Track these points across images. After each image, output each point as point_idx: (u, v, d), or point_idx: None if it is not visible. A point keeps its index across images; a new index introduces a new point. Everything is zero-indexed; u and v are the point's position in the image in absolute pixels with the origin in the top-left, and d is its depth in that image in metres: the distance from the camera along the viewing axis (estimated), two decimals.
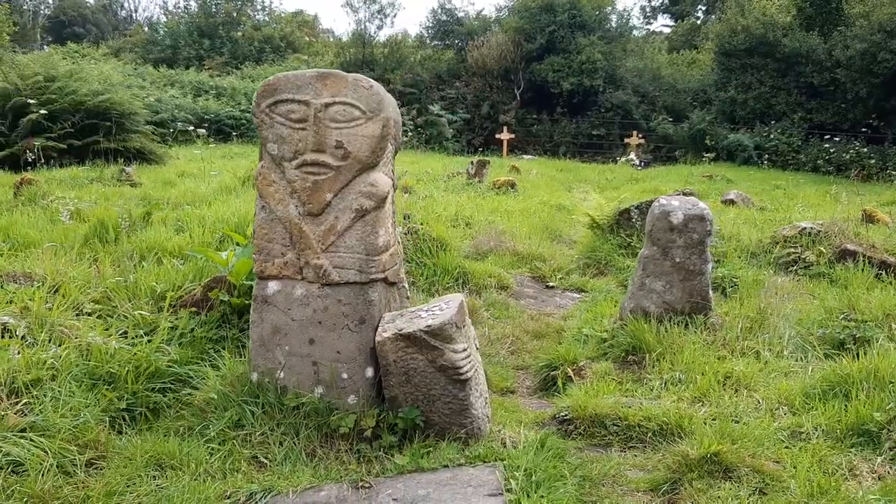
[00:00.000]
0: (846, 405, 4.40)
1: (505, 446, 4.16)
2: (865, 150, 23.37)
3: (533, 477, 3.65)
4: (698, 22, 43.93)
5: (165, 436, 4.13)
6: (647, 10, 53.48)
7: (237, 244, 5.99)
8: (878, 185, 19.91)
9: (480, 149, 29.86)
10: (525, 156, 28.23)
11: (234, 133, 24.24)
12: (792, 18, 27.31)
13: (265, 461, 4.00)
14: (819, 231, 8.44)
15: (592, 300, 7.47)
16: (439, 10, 35.55)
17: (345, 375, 4.24)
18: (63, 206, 7.67)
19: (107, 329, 4.89)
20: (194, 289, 5.46)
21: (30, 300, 4.64)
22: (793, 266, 8.11)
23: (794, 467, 3.91)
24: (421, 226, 8.15)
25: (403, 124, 27.89)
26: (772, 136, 25.65)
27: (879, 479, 3.80)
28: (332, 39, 40.17)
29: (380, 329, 4.15)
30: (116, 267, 5.88)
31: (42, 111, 14.04)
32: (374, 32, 34.61)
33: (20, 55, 18.56)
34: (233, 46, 36.00)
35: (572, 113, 31.96)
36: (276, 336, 4.31)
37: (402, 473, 3.80)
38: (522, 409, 5.16)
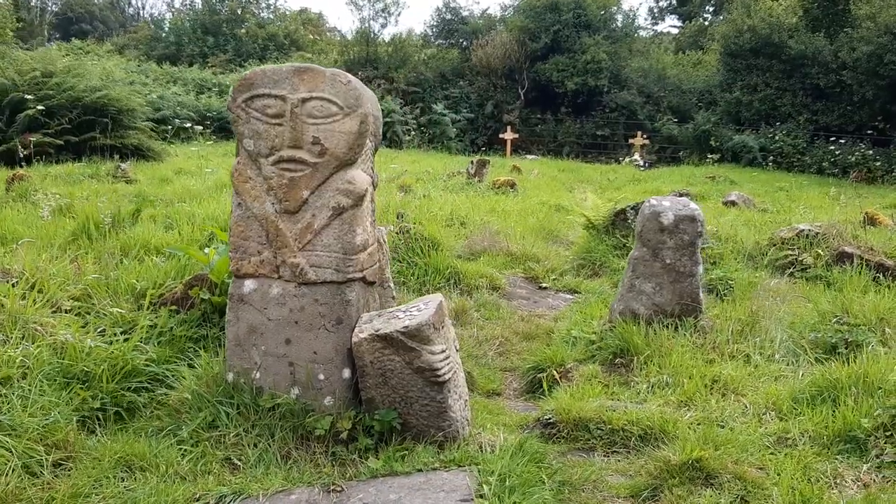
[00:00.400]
0: (834, 411, 4.31)
1: (483, 450, 4.08)
2: (871, 152, 23.23)
3: (507, 482, 3.56)
4: (706, 23, 43.78)
5: (138, 436, 4.05)
6: (655, 10, 53.38)
7: (222, 242, 5.91)
8: (883, 187, 19.80)
9: (484, 148, 29.79)
10: (528, 156, 28.15)
11: None
12: (798, 19, 27.15)
13: (238, 463, 3.92)
14: (817, 233, 8.33)
15: (585, 301, 7.38)
16: (444, 9, 35.46)
17: (321, 376, 4.16)
18: (45, 203, 7.58)
19: (84, 327, 4.81)
20: (175, 287, 5.38)
21: (4, 297, 4.56)
22: (790, 268, 8.01)
23: (778, 474, 3.83)
24: (413, 225, 8.07)
25: (406, 123, 28.04)
26: (777, 138, 25.51)
27: (864, 487, 3.71)
28: (338, 37, 40.04)
29: (356, 329, 4.07)
30: (98, 264, 5.80)
31: (39, 107, 14.01)
32: (379, 31, 34.58)
33: (18, 51, 18.51)
34: (237, 44, 35.98)
35: (576, 113, 31.85)
36: (253, 336, 4.23)
37: (375, 477, 3.72)
38: (507, 412, 5.08)
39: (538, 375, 5.54)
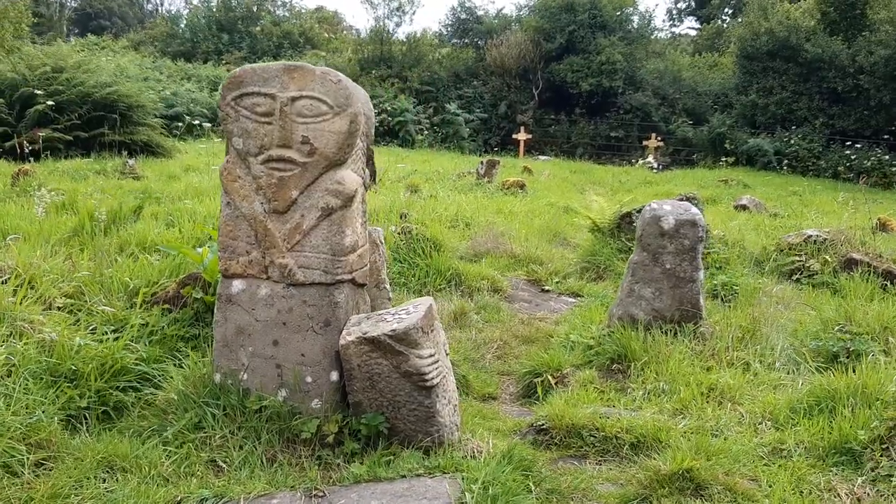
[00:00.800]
0: (831, 422, 4.23)
1: (473, 457, 4.01)
2: (887, 157, 23.01)
3: (490, 490, 3.50)
4: (724, 25, 43.52)
5: (123, 436, 4.01)
6: (674, 11, 53.14)
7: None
8: None
9: (497, 149, 29.72)
10: (541, 156, 28.08)
11: None
12: (816, 23, 26.93)
13: (223, 465, 3.87)
14: (825, 239, 8.22)
15: (587, 305, 7.30)
16: (459, 8, 35.46)
17: (309, 379, 4.11)
18: (41, 200, 7.57)
19: (76, 324, 4.78)
20: (169, 285, 5.35)
21: None
22: (796, 275, 7.90)
23: (770, 486, 3.76)
24: (416, 226, 8.01)
25: (419, 122, 28.00)
26: (792, 142, 25.33)
27: (858, 501, 3.63)
28: (355, 36, 40.02)
29: (344, 332, 4.01)
30: (93, 261, 5.77)
31: (49, 102, 14.05)
32: (393, 29, 34.55)
33: (28, 46, 18.57)
34: (251, 41, 36.05)
35: (591, 114, 31.75)
36: (240, 337, 4.18)
37: (358, 482, 3.66)
38: (502, 417, 5.01)
39: (535, 380, 5.48)
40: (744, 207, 13.30)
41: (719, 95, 30.11)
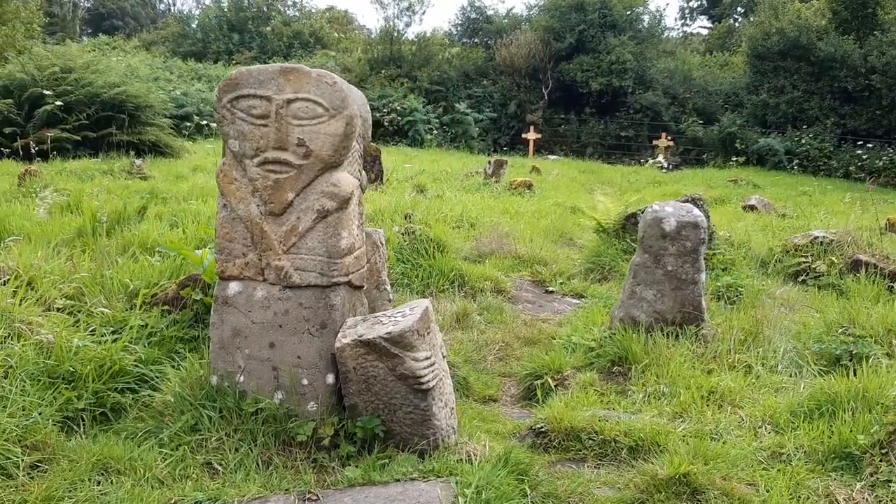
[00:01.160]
0: (831, 426, 4.19)
1: (469, 460, 3.99)
2: None
3: (483, 494, 3.48)
4: (736, 24, 43.35)
5: (120, 438, 4.01)
6: (686, 10, 52.94)
7: None
8: None
9: (506, 148, 29.68)
10: (550, 156, 28.04)
11: None
12: (827, 22, 26.80)
13: (219, 468, 3.86)
14: (832, 240, 8.17)
15: (590, 307, 7.27)
16: (469, 8, 35.44)
17: (305, 381, 4.10)
18: (42, 201, 7.60)
19: (75, 325, 4.79)
20: (169, 286, 5.35)
21: None
22: (802, 276, 7.85)
23: (768, 491, 3.72)
24: (420, 226, 8.00)
25: (429, 122, 27.98)
26: (803, 141, 25.21)
27: None
28: (366, 36, 40.04)
29: (340, 334, 4.00)
30: (94, 262, 5.78)
31: (58, 102, 14.10)
32: (403, 29, 34.55)
33: (38, 47, 18.65)
34: (262, 41, 36.12)
35: (601, 113, 31.68)
36: (237, 339, 4.18)
37: (352, 486, 3.65)
38: (501, 419, 5.00)
39: (535, 382, 5.46)
40: (752, 208, 13.24)
41: (730, 95, 29.99)
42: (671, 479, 3.78)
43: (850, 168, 23.45)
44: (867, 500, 3.63)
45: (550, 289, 8.11)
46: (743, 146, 26.03)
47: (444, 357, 4.32)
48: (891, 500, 3.59)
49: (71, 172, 11.60)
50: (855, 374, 4.59)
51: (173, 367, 4.52)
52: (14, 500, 3.40)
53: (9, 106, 14.54)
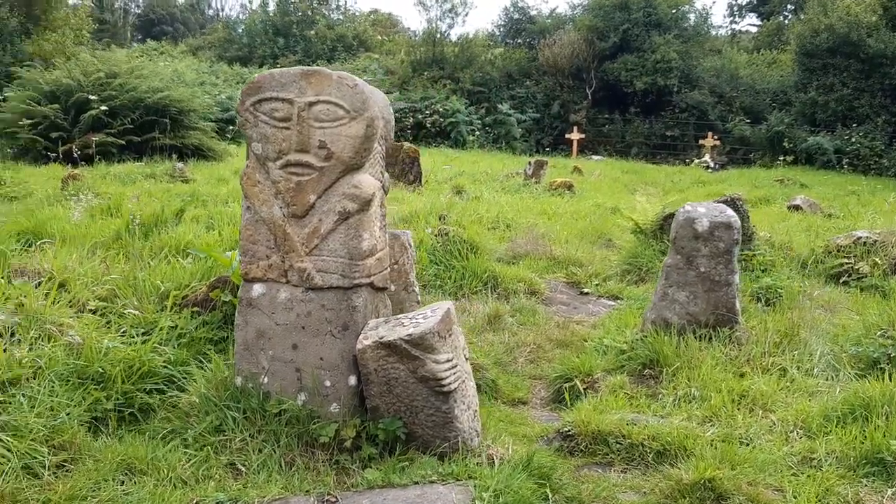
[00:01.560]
0: (864, 431, 4.08)
1: (490, 463, 3.97)
2: None
3: (501, 498, 3.45)
4: (786, 22, 42.60)
5: (148, 438, 4.06)
6: (735, 7, 52.13)
7: None
8: None
9: (549, 149, 29.55)
10: (594, 156, 27.83)
11: None
12: (878, 18, 26.20)
13: (242, 468, 3.89)
14: (875, 241, 7.97)
15: (626, 309, 7.18)
16: (512, 9, 35.34)
17: (328, 383, 4.11)
18: (76, 204, 7.73)
19: (107, 327, 4.86)
20: (200, 288, 5.40)
21: (24, 297, 4.63)
22: (844, 277, 7.67)
23: (795, 497, 3.63)
24: (453, 228, 7.98)
25: (471, 123, 27.95)
26: (853, 140, 24.68)
27: None
28: (411, 38, 40.16)
29: (361, 336, 4.00)
30: (127, 264, 5.86)
31: (103, 107, 14.37)
32: (446, 31, 34.60)
33: (84, 53, 19.02)
34: (306, 45, 36.42)
35: (645, 113, 31.37)
36: (261, 340, 4.20)
37: (371, 488, 3.65)
38: (530, 422, 4.95)
39: (565, 385, 5.40)
40: (797, 208, 12.98)
41: (778, 93, 29.47)
42: (696, 484, 3.71)
43: None
44: None
45: (586, 290, 8.03)
46: (791, 145, 25.57)
47: (466, 359, 4.30)
48: None
49: (115, 176, 11.81)
50: (891, 378, 4.46)
51: (199, 368, 4.55)
52: (39, 498, 3.45)
53: (55, 111, 14.88)
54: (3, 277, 5.17)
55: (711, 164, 25.11)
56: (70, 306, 4.98)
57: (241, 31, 40.54)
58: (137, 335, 4.82)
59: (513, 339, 6.35)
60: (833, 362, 5.23)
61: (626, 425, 4.41)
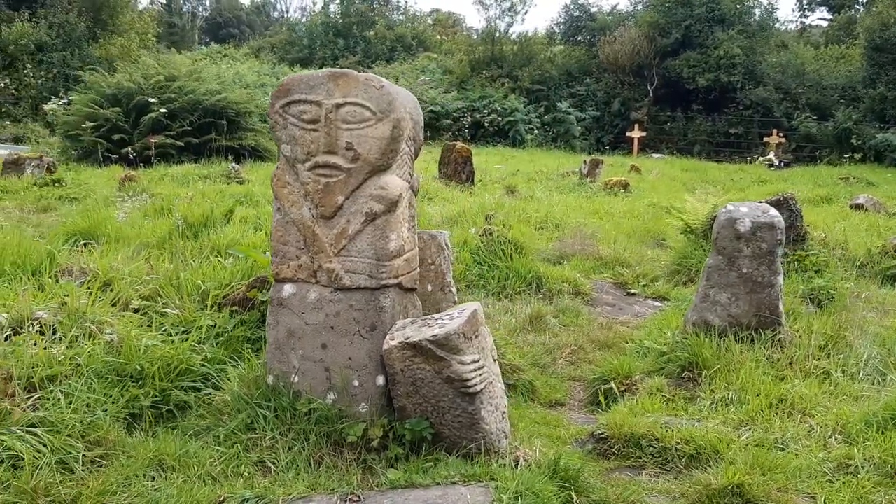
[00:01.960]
0: None
1: (516, 465, 3.95)
2: None
3: (521, 500, 3.43)
4: (857, 15, 41.41)
5: (182, 435, 4.14)
6: (804, 1, 50.89)
7: None
8: None
9: (609, 147, 29.26)
10: (655, 154, 27.47)
11: None
12: None
13: (271, 466, 3.94)
14: None
15: (672, 310, 7.07)
16: (572, 6, 35.05)
17: (356, 383, 4.14)
18: (121, 205, 7.92)
19: (149, 325, 4.97)
20: (240, 288, 5.49)
21: (66, 296, 4.77)
22: None
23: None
24: (498, 227, 7.96)
25: (529, 122, 27.84)
26: None
27: None
28: (474, 37, 40.20)
29: (388, 337, 4.02)
30: (171, 264, 5.99)
31: (162, 110, 14.71)
32: (505, 29, 34.51)
33: (145, 57, 19.47)
34: (366, 46, 36.70)
35: (708, 110, 30.83)
36: (291, 340, 4.25)
37: (394, 488, 3.66)
38: (565, 424, 4.92)
39: (603, 386, 5.35)
40: (860, 207, 12.61)
41: (846, 89, 28.69)
42: (724, 490, 3.65)
43: None
44: None
45: (632, 291, 7.93)
46: (859, 142, 24.88)
47: (495, 360, 4.29)
48: None
49: (172, 177, 12.07)
50: None
51: (233, 366, 4.62)
52: (71, 493, 3.54)
53: (117, 114, 15.28)
54: (50, 277, 5.33)
55: (776, 162, 24.54)
56: (114, 305, 5.11)
57: (300, 32, 41.04)
58: (177, 334, 4.91)
59: (554, 340, 6.31)
60: (880, 366, 5.07)
61: (659, 428, 4.36)
